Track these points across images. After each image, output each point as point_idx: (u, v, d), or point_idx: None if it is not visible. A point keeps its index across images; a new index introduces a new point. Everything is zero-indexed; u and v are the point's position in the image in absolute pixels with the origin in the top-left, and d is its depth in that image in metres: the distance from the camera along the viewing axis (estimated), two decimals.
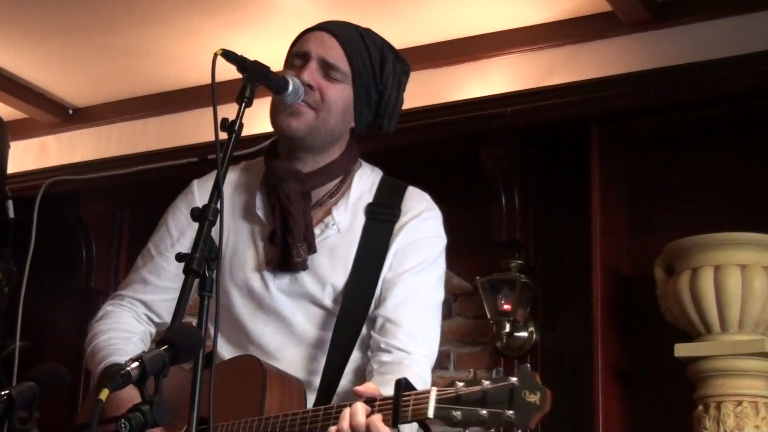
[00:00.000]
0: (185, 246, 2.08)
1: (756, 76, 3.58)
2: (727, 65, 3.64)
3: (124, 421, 1.47)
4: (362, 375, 2.05)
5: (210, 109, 1.80)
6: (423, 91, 4.13)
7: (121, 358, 1.99)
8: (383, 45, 2.17)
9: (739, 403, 3.31)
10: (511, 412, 1.58)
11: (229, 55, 1.92)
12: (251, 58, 1.98)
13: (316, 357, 2.07)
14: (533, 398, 1.60)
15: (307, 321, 2.08)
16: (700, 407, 3.37)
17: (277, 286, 2.09)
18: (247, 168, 2.24)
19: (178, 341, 1.57)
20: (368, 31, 2.18)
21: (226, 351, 2.12)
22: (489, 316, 3.92)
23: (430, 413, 1.63)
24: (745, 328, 3.35)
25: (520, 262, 3.98)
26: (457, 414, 1.61)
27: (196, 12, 4.07)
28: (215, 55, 1.87)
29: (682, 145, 3.86)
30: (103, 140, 4.95)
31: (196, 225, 2.01)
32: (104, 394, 1.44)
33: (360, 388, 1.78)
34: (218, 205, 1.77)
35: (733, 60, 3.64)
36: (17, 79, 4.72)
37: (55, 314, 4.90)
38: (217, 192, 1.78)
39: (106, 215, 5.03)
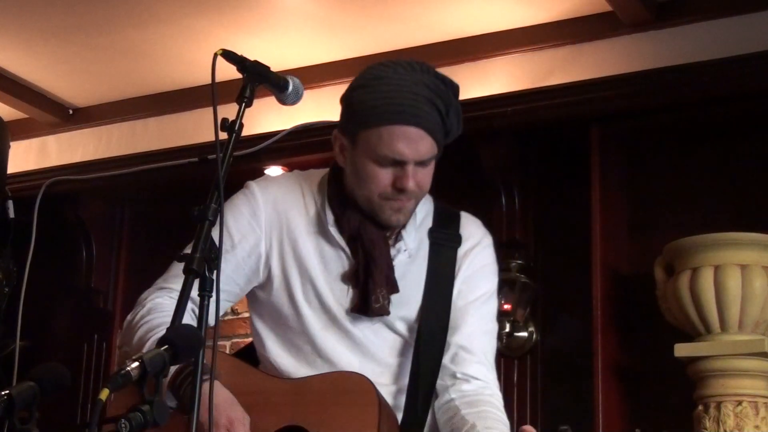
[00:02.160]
0: (246, 250, 2.08)
1: (756, 76, 3.58)
2: (727, 65, 3.64)
3: (124, 421, 1.47)
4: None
5: (210, 109, 1.80)
6: None
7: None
8: (449, 102, 2.02)
9: (739, 403, 3.31)
10: None
11: (229, 55, 1.92)
12: (251, 58, 1.98)
13: (392, 382, 2.08)
14: None
15: (380, 344, 2.09)
16: (700, 407, 3.37)
17: (353, 314, 2.08)
18: (305, 177, 2.19)
19: (178, 341, 1.57)
20: (438, 89, 2.00)
21: (283, 357, 2.10)
22: None
23: None
24: (745, 328, 3.35)
25: (520, 262, 3.98)
26: None
27: (196, 12, 4.07)
28: (215, 55, 1.87)
29: (682, 145, 3.86)
30: (103, 140, 4.95)
31: (257, 229, 2.09)
32: (104, 394, 1.44)
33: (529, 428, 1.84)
34: (219, 205, 1.77)
35: (733, 60, 3.64)
36: (17, 79, 4.72)
37: (55, 314, 4.90)
38: (217, 192, 1.78)
39: (106, 215, 5.03)
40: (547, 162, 4.08)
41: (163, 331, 1.93)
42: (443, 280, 2.10)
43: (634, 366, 3.74)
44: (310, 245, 2.10)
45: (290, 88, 2.02)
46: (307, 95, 2.15)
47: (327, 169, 2.17)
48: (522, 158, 4.07)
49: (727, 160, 3.78)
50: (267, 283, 2.11)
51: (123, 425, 1.46)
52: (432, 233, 2.14)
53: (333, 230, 2.09)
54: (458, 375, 2.04)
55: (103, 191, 4.82)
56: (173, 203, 4.32)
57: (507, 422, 2.03)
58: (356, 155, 2.02)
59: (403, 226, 2.11)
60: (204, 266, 1.71)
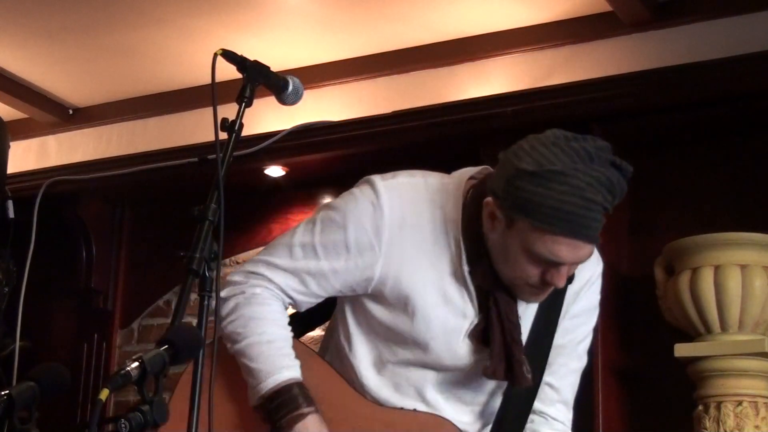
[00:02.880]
0: (358, 266, 1.94)
1: (756, 76, 3.57)
2: (727, 65, 3.64)
3: (124, 421, 1.47)
4: None
5: (210, 109, 1.80)
6: (423, 91, 4.14)
7: (296, 373, 1.92)
8: (624, 186, 2.01)
9: (739, 403, 3.31)
10: None
11: (229, 55, 1.92)
12: (251, 58, 1.98)
13: (475, 421, 2.04)
14: None
15: (472, 386, 2.02)
16: (700, 407, 3.37)
17: (460, 357, 1.98)
18: (441, 193, 2.03)
19: (178, 341, 1.57)
20: (614, 187, 1.95)
21: (369, 372, 2.02)
22: None
23: None
24: (745, 328, 3.35)
25: None
26: None
27: (196, 12, 4.07)
28: (215, 55, 1.88)
29: (682, 145, 3.85)
30: (103, 140, 4.95)
31: (377, 249, 1.92)
32: (104, 394, 1.44)
33: None
34: (219, 205, 1.77)
35: (733, 60, 3.64)
36: (17, 79, 4.72)
37: (55, 314, 4.90)
38: (217, 192, 1.78)
39: (106, 215, 5.02)
40: None
41: (275, 337, 1.94)
42: (550, 320, 2.02)
43: (634, 366, 3.74)
44: (432, 277, 1.94)
45: (290, 88, 2.02)
46: (307, 95, 2.15)
47: (464, 183, 2.04)
48: None
49: (727, 160, 3.78)
50: (376, 297, 1.98)
51: (123, 425, 1.46)
52: None
53: (466, 269, 1.93)
54: (538, 412, 2.03)
55: (103, 191, 4.81)
56: (173, 203, 4.32)
57: None
58: (509, 236, 1.86)
59: None
60: (203, 266, 1.71)
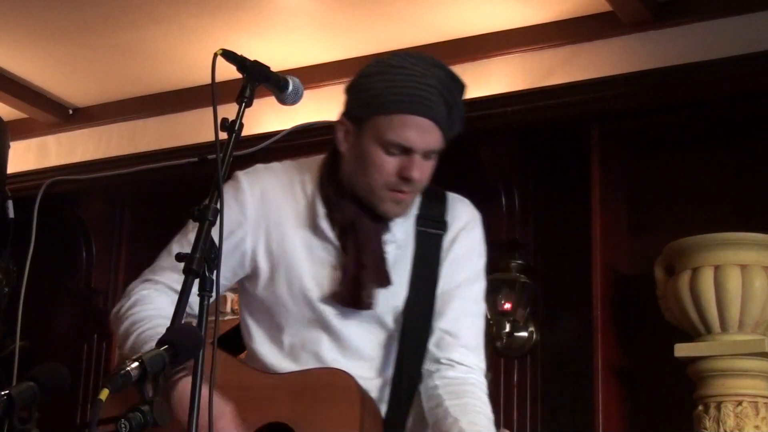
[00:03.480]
0: (232, 244, 2.05)
1: (756, 76, 3.58)
2: (727, 65, 3.64)
3: (124, 421, 1.47)
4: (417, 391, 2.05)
5: (210, 109, 1.80)
6: None
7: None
8: (458, 99, 2.04)
9: (739, 403, 3.31)
10: None
11: (229, 55, 1.92)
12: (251, 58, 1.98)
13: (376, 376, 2.06)
14: None
15: (364, 337, 2.07)
16: (700, 407, 3.37)
17: (339, 309, 2.05)
18: (295, 170, 2.15)
19: (178, 341, 1.57)
20: (448, 85, 2.02)
21: (269, 352, 2.09)
22: (489, 316, 3.92)
23: None
24: (745, 328, 3.35)
25: (520, 262, 3.98)
26: None
27: (196, 12, 4.07)
28: (215, 55, 1.87)
29: (682, 145, 3.86)
30: (103, 140, 4.95)
31: (244, 223, 2.06)
32: (104, 394, 1.44)
33: None
34: (218, 205, 1.77)
35: (733, 60, 3.64)
36: (17, 79, 4.72)
37: (55, 314, 4.91)
38: (217, 192, 1.78)
39: (106, 215, 5.03)
40: (547, 162, 4.08)
41: (147, 325, 2.01)
42: (428, 268, 2.07)
43: (634, 366, 3.74)
44: (297, 239, 2.07)
45: (290, 88, 2.01)
46: (307, 95, 2.14)
47: (321, 157, 2.14)
48: (522, 158, 4.06)
49: (727, 160, 3.78)
50: (254, 276, 2.09)
51: (123, 425, 1.46)
52: (419, 220, 2.10)
53: (323, 223, 2.06)
54: (443, 360, 2.03)
55: (103, 191, 4.82)
56: (173, 203, 4.32)
57: (490, 415, 2.01)
58: (363, 140, 2.00)
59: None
60: (204, 266, 1.71)
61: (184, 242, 2.10)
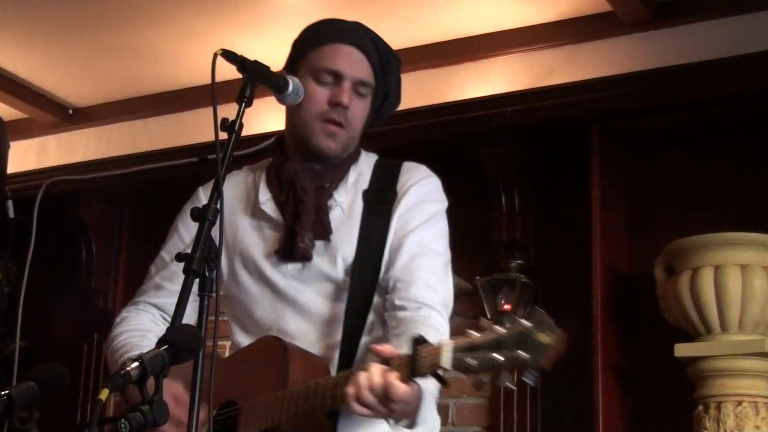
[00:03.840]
0: (239, 250, 2.17)
1: (756, 76, 3.58)
2: (727, 65, 3.64)
3: (124, 421, 1.47)
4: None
5: (210, 109, 1.80)
6: (423, 91, 4.14)
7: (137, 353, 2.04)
8: (387, 50, 2.21)
9: (739, 403, 3.31)
10: (526, 353, 1.63)
11: (229, 55, 1.92)
12: (251, 58, 1.98)
13: (333, 332, 2.10)
14: (546, 339, 1.64)
15: (320, 298, 2.12)
16: (700, 407, 3.37)
17: (289, 273, 2.12)
18: (251, 169, 2.29)
19: (178, 341, 1.57)
20: (375, 36, 2.21)
21: (246, 341, 2.18)
22: (489, 316, 3.92)
23: (447, 364, 1.66)
24: (745, 328, 3.35)
25: (520, 262, 3.98)
26: (473, 362, 1.65)
27: (196, 12, 4.07)
28: (215, 55, 1.88)
29: (682, 145, 3.86)
30: (103, 140, 4.95)
31: (233, 232, 2.17)
32: (104, 394, 1.44)
33: (376, 346, 1.82)
34: (218, 205, 1.77)
35: (733, 60, 3.64)
36: (17, 79, 4.72)
37: (55, 314, 4.90)
38: (217, 192, 1.78)
39: (106, 215, 5.03)
40: (547, 162, 4.08)
41: (119, 340, 2.15)
42: (376, 234, 2.11)
43: (634, 366, 3.74)
44: (249, 227, 2.18)
45: (290, 88, 2.02)
46: None
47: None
48: (522, 158, 4.06)
49: (728, 160, 3.78)
50: (220, 277, 2.12)
51: (123, 425, 1.46)
52: (366, 194, 2.16)
53: (266, 207, 2.16)
54: (396, 303, 2.05)
55: (103, 191, 4.82)
56: (173, 203, 4.31)
57: (428, 332, 1.95)
58: (300, 81, 2.08)
59: (335, 187, 2.16)
60: (203, 266, 1.71)
61: (158, 260, 2.27)
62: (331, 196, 2.16)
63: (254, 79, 1.93)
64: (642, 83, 3.76)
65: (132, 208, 5.04)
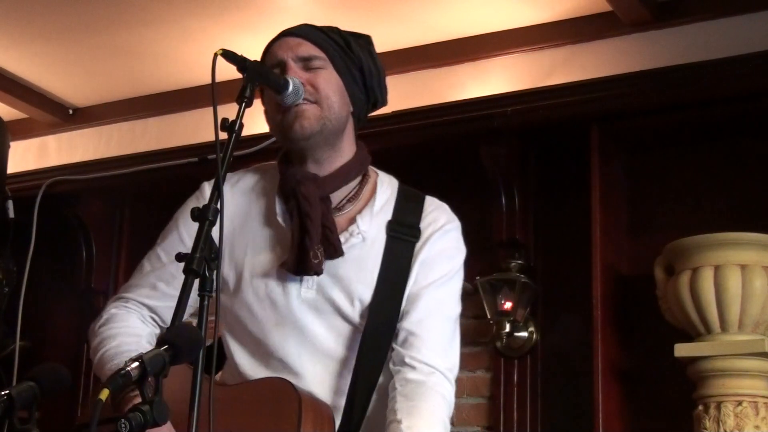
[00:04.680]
0: (234, 256, 2.09)
1: (756, 76, 3.57)
2: (727, 65, 3.64)
3: (124, 421, 1.47)
4: (386, 394, 2.02)
5: (210, 109, 1.80)
6: (423, 91, 4.14)
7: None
8: (339, 30, 2.17)
9: (739, 403, 3.31)
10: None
11: (229, 55, 1.92)
12: (252, 58, 1.98)
13: (340, 375, 2.04)
14: None
15: (330, 335, 2.05)
16: (700, 407, 3.37)
17: (302, 298, 2.05)
18: (263, 171, 2.21)
19: (178, 341, 1.57)
20: (323, 27, 2.17)
21: (246, 362, 2.10)
22: (489, 316, 3.92)
23: None
24: (745, 328, 3.35)
25: (520, 262, 3.98)
26: None
27: (196, 12, 4.07)
28: (215, 55, 1.88)
29: (682, 145, 3.86)
30: (103, 140, 4.95)
31: (232, 237, 2.09)
32: (104, 394, 1.44)
33: None
34: (218, 205, 1.77)
35: (733, 60, 3.64)
36: (17, 79, 4.72)
37: (55, 314, 4.90)
38: (217, 192, 1.78)
39: (106, 215, 5.02)
40: (547, 162, 4.08)
41: (113, 343, 2.06)
42: (400, 269, 2.05)
43: (634, 366, 3.74)
44: (261, 241, 2.09)
45: (290, 88, 2.02)
46: None
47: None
48: (522, 158, 4.06)
49: (727, 160, 3.78)
50: (224, 287, 2.10)
51: (123, 425, 1.46)
52: (391, 226, 2.09)
53: (281, 220, 2.09)
54: (406, 360, 2.00)
55: (103, 191, 4.81)
56: (173, 203, 4.32)
57: (441, 416, 1.96)
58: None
59: (359, 211, 2.09)
60: (203, 266, 1.71)
61: (153, 257, 2.17)
62: (354, 221, 2.09)
63: (254, 79, 1.93)
64: (642, 83, 3.76)
65: (132, 208, 5.04)
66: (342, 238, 2.06)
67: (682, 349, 3.39)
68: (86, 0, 4.04)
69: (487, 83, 4.08)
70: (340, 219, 2.09)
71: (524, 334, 3.95)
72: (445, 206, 2.18)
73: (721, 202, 3.74)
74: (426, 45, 4.18)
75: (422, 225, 2.11)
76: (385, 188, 2.15)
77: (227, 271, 2.09)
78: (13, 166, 4.37)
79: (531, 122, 3.93)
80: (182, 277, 1.95)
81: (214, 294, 1.73)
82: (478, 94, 4.04)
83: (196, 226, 1.92)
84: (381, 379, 2.04)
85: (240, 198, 2.14)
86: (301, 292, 2.05)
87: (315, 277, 2.03)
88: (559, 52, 4.01)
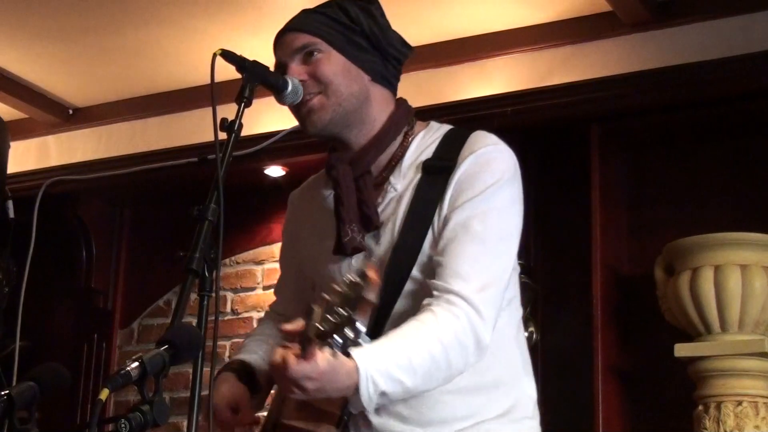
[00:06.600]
0: (300, 252, 2.19)
1: (756, 76, 3.58)
2: (727, 65, 3.64)
3: (124, 421, 1.47)
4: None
5: (210, 109, 1.80)
6: (423, 91, 4.13)
7: (247, 356, 2.14)
8: (336, 2, 2.11)
9: (739, 403, 3.31)
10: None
11: (228, 55, 1.92)
12: (251, 58, 1.98)
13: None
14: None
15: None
16: (700, 407, 3.37)
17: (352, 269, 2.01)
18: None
19: (178, 341, 1.58)
20: (317, 7, 2.13)
21: None
22: None
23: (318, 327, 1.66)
24: (745, 328, 3.35)
25: (520, 262, 3.96)
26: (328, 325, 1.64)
27: (197, 12, 4.07)
28: (215, 55, 1.88)
29: (682, 145, 3.86)
30: (103, 140, 4.94)
31: (287, 240, 2.28)
32: (104, 394, 1.45)
33: (285, 325, 1.78)
34: (218, 205, 1.77)
35: (733, 60, 3.64)
36: (17, 79, 4.71)
37: (55, 314, 4.90)
38: (217, 192, 1.78)
39: (106, 215, 5.03)
40: (547, 162, 4.08)
41: (241, 346, 2.22)
42: (425, 204, 1.99)
43: (634, 366, 3.74)
44: (320, 231, 2.11)
45: (290, 88, 2.02)
46: None
47: None
48: (522, 158, 4.05)
49: (728, 160, 3.78)
50: (311, 285, 2.18)
51: (123, 425, 1.46)
52: (425, 164, 2.03)
53: (327, 202, 2.12)
54: (432, 291, 1.91)
55: (103, 191, 4.82)
56: (173, 203, 4.32)
57: (425, 332, 1.85)
58: None
59: (390, 172, 2.05)
60: (203, 266, 1.72)
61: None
62: (386, 180, 2.04)
63: (254, 79, 1.93)
64: (642, 83, 3.76)
65: (132, 208, 5.04)
66: (380, 204, 2.03)
67: (682, 349, 3.40)
68: (86, 0, 4.04)
69: (487, 83, 4.08)
70: (379, 184, 2.07)
71: (524, 334, 3.95)
72: (492, 135, 2.08)
73: (721, 202, 3.74)
74: (426, 45, 4.18)
75: (462, 152, 2.02)
76: (427, 138, 2.08)
77: (307, 272, 2.18)
78: (13, 167, 4.36)
79: (531, 122, 3.93)
80: (297, 280, 2.18)
81: (214, 294, 1.73)
82: (479, 94, 4.04)
83: (287, 232, 2.19)
84: (400, 308, 1.97)
85: (307, 193, 2.23)
86: (352, 262, 2.03)
87: (363, 252, 2.02)
88: (558, 52, 4.01)
